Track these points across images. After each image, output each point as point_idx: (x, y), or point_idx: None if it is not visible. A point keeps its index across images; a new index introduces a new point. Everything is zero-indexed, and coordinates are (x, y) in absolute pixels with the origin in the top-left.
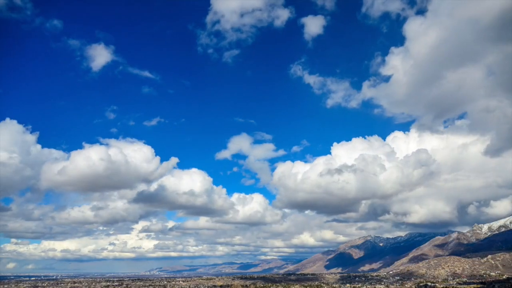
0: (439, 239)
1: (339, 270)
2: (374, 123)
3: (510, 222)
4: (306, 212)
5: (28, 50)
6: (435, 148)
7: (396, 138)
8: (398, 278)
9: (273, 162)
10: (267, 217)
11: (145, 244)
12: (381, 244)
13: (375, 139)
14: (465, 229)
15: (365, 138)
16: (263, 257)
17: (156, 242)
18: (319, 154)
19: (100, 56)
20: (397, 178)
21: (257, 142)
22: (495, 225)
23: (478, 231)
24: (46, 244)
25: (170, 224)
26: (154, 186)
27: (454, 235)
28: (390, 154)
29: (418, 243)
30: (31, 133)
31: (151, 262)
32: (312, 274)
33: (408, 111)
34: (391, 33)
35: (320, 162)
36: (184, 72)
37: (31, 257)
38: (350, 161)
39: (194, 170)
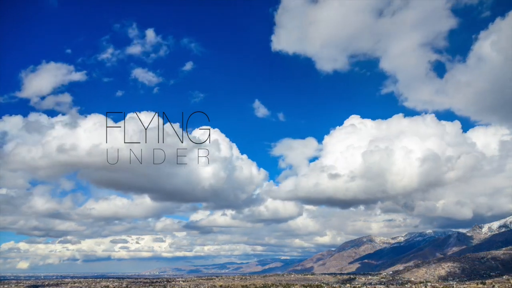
0: (439, 239)
1: (340, 270)
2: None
3: (510, 222)
4: (335, 209)
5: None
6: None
7: (478, 132)
8: (398, 277)
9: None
10: (290, 214)
11: (161, 243)
12: (381, 244)
13: (450, 131)
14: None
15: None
16: (283, 257)
17: (171, 240)
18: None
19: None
20: (461, 170)
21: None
22: (495, 225)
23: (478, 231)
24: (58, 242)
25: (188, 222)
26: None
27: (454, 235)
28: (465, 146)
29: (418, 243)
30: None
31: (165, 262)
32: None
33: (492, 104)
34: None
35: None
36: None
37: (39, 256)
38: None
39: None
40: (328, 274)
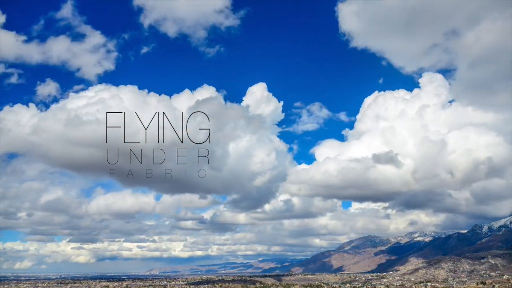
0: (439, 239)
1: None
2: None
3: (510, 222)
4: (360, 206)
5: None
6: None
7: None
8: (398, 278)
9: None
10: (310, 213)
11: (175, 242)
12: (380, 243)
13: None
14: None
15: None
16: (299, 257)
17: (186, 239)
18: None
19: None
20: None
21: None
22: (495, 225)
23: (478, 231)
24: (67, 241)
25: (205, 220)
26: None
27: (454, 235)
28: None
29: (418, 243)
30: None
31: (179, 261)
32: None
33: None
34: None
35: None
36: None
37: (42, 256)
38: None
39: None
40: (331, 273)
